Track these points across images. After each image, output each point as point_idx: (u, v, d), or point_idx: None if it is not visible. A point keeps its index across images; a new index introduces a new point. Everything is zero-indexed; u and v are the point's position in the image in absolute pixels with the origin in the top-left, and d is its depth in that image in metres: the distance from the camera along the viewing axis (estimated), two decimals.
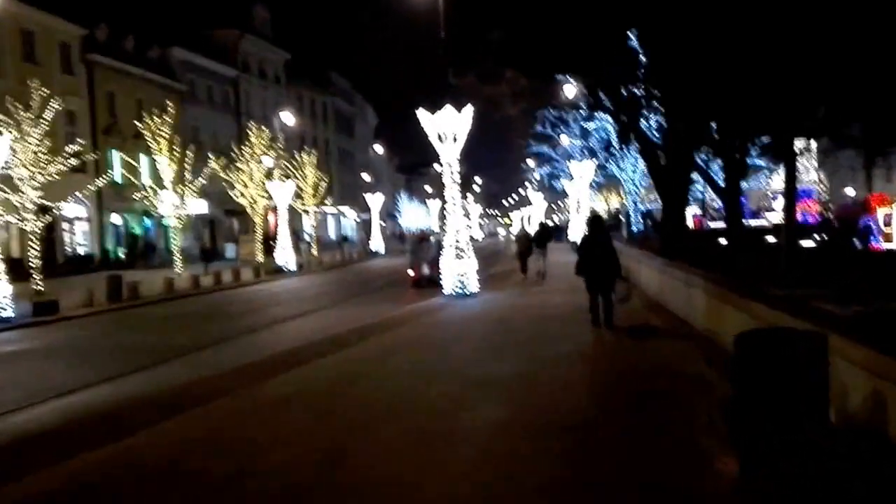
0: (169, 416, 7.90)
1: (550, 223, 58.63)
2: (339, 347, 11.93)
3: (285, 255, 35.97)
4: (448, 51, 20.01)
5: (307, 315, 19.04)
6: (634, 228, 37.17)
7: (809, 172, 49.07)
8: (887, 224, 25.43)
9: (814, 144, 49.20)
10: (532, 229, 32.01)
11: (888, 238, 25.18)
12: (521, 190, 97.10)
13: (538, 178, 56.25)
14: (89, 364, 12.85)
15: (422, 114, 18.55)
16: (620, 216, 37.87)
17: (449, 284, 18.72)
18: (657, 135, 24.80)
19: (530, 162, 54.69)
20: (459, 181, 18.70)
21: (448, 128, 18.30)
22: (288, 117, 45.58)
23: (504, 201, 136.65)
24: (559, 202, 77.32)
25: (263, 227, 43.31)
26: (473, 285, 18.82)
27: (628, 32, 21.66)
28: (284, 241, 36.20)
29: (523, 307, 16.10)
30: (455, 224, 18.80)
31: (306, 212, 49.80)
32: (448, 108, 18.29)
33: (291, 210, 46.94)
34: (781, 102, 16.07)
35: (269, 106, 56.72)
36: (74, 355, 14.27)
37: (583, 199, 37.47)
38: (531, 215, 70.38)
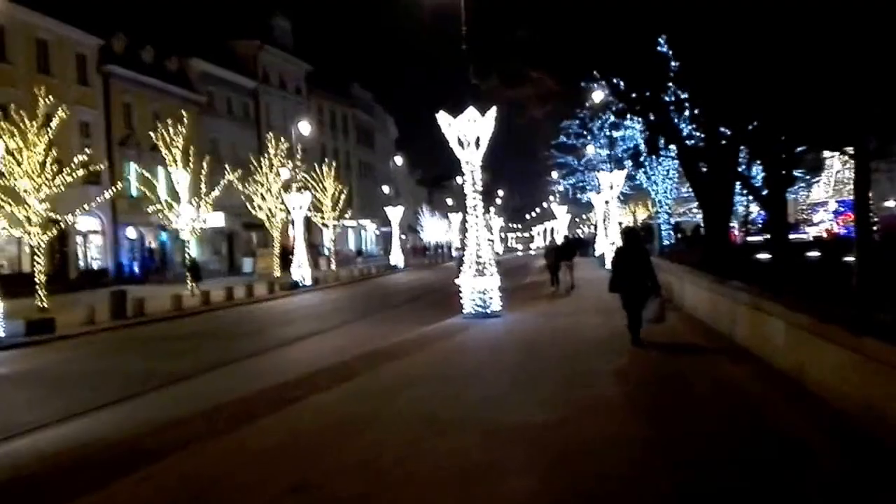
0: (115, 477, 6.16)
1: (575, 237, 56.68)
2: (343, 379, 10.12)
3: (301, 270, 34.35)
4: (470, 48, 18.28)
5: (316, 336, 17.30)
6: (666, 242, 35.10)
7: (852, 184, 46.72)
8: None
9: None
10: (560, 242, 30.62)
11: None
12: (544, 203, 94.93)
13: (562, 189, 54.28)
14: (60, 395, 11.22)
15: (441, 117, 16.77)
16: (652, 229, 35.86)
17: (469, 303, 16.86)
18: (693, 142, 23.00)
19: (554, 174, 52.73)
20: (481, 189, 16.86)
21: (469, 132, 16.49)
22: (305, 127, 44.16)
23: (527, 215, 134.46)
24: (584, 215, 75.20)
25: (282, 241, 41.99)
26: (496, 304, 16.93)
27: (658, 38, 20.11)
28: (301, 256, 34.58)
29: (552, 331, 14.16)
30: (476, 236, 16.95)
31: (325, 225, 48.33)
32: (470, 111, 16.48)
33: (311, 223, 45.64)
34: (851, 107, 14.37)
35: (289, 117, 55.41)
36: (49, 383, 12.64)
37: (611, 211, 35.43)
38: (554, 228, 68.29)
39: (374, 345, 13.61)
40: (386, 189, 75.80)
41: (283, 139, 41.33)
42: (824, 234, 39.78)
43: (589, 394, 8.24)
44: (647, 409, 7.53)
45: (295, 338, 16.97)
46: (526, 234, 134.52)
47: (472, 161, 16.58)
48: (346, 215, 52.16)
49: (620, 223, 39.60)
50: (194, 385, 11.68)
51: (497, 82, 21.12)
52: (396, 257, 51.05)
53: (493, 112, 16.46)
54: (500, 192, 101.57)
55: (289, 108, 57.99)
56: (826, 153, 46.44)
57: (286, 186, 39.66)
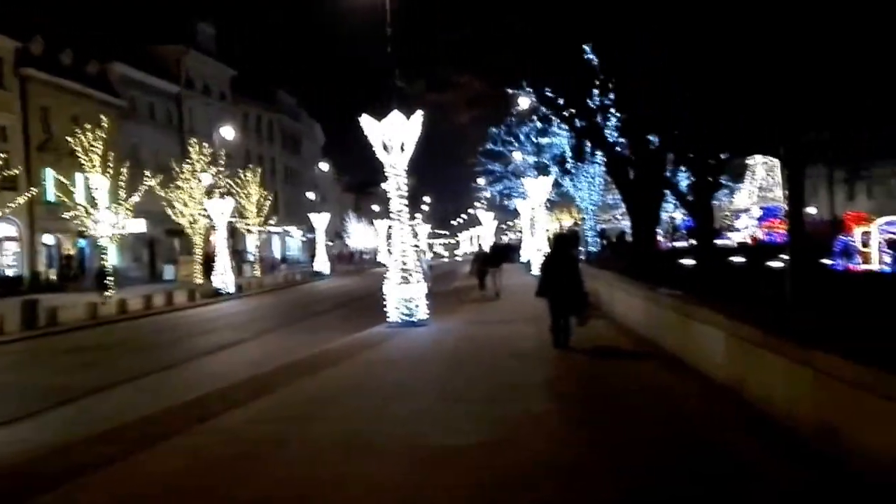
0: None
1: (502, 243, 56.65)
2: (259, 394, 9.23)
3: (224, 277, 32.92)
4: (395, 51, 17.62)
5: (234, 346, 16.28)
6: (592, 248, 35.16)
7: (775, 190, 47.77)
8: (865, 244, 23.75)
9: (775, 160, 48.34)
10: (487, 248, 30.58)
11: (866, 259, 23.49)
12: (471, 209, 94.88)
13: (489, 196, 54.08)
14: None
15: (365, 120, 16.01)
16: (578, 235, 35.90)
17: (394, 311, 16.12)
18: (620, 148, 22.93)
19: (481, 181, 52.45)
20: (406, 194, 16.17)
21: (394, 136, 15.78)
22: (228, 132, 42.64)
23: (454, 221, 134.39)
24: (510, 222, 75.45)
25: (204, 248, 40.45)
26: (422, 312, 16.24)
27: (584, 45, 19.96)
28: (223, 262, 33.14)
29: (480, 340, 13.57)
30: (401, 243, 16.24)
31: (249, 231, 46.73)
32: (395, 114, 15.77)
33: (235, 230, 44.14)
34: (783, 112, 14.38)
35: (213, 123, 53.47)
36: None
37: (538, 218, 35.28)
38: (481, 235, 68.20)
39: (294, 356, 12.73)
40: (312, 195, 74.19)
41: (206, 144, 39.88)
42: (748, 240, 40.69)
43: (520, 409, 7.64)
44: (581, 427, 6.93)
45: (212, 348, 15.93)
46: (453, 241, 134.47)
47: (396, 166, 15.88)
48: (271, 221, 50.65)
49: (547, 230, 39.57)
50: (97, 401, 10.71)
51: (424, 86, 20.47)
52: (322, 264, 49.83)
53: (418, 116, 15.81)
54: (428, 199, 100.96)
55: (213, 114, 56.04)
56: (750, 160, 47.73)
57: (209, 192, 38.31)
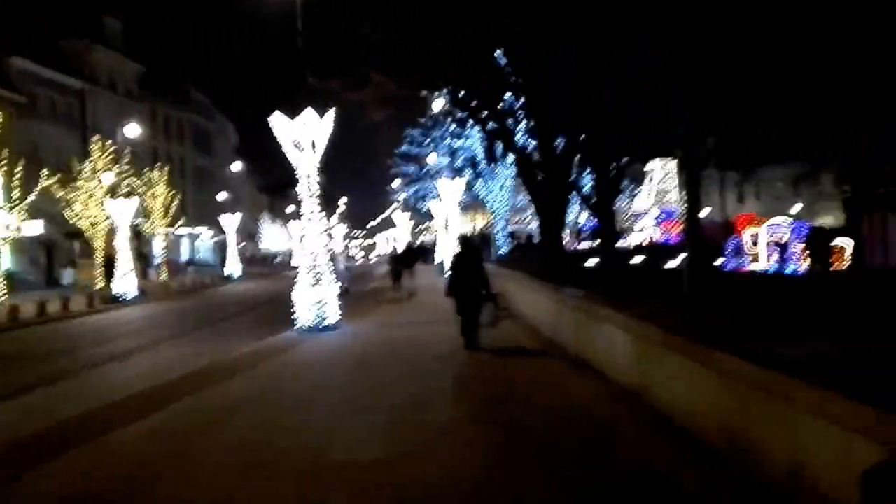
0: None
1: (418, 245, 56.44)
2: (153, 409, 8.54)
3: (126, 281, 31.26)
4: (306, 46, 17.01)
5: (133, 356, 15.29)
6: (502, 250, 35.36)
7: (672, 193, 49.54)
8: (754, 244, 24.75)
9: (672, 165, 50.02)
10: (402, 250, 30.48)
11: (755, 258, 24.48)
12: (386, 211, 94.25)
13: (404, 198, 53.76)
14: None
15: (275, 118, 15.36)
16: (490, 237, 36.10)
17: (304, 316, 15.54)
18: (530, 152, 23.08)
19: (396, 182, 52.10)
20: (318, 195, 15.62)
21: (306, 135, 15.22)
22: (134, 130, 40.64)
23: (370, 222, 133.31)
24: (426, 223, 75.36)
25: (106, 251, 38.36)
26: (333, 316, 15.73)
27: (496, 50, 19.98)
28: (125, 266, 31.47)
29: (391, 344, 13.22)
30: (312, 244, 15.69)
31: (156, 233, 44.74)
32: (306, 112, 15.20)
33: (140, 232, 42.17)
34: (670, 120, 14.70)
35: (118, 121, 50.94)
36: None
37: (451, 219, 35.20)
38: (397, 237, 67.77)
39: (196, 365, 12.00)
40: (224, 196, 71.87)
41: (110, 142, 37.84)
42: (647, 242, 41.91)
43: (427, 419, 7.33)
44: (487, 438, 6.62)
45: (108, 358, 14.88)
46: (369, 242, 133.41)
47: (308, 165, 15.32)
48: (180, 223, 48.66)
49: (461, 231, 39.58)
50: None
51: (337, 84, 19.90)
52: (233, 267, 48.23)
53: (331, 114, 15.29)
54: (344, 199, 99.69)
55: (119, 111, 53.36)
56: (648, 165, 49.30)
57: (111, 192, 36.29)
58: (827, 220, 35.01)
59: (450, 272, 12.19)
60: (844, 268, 21.89)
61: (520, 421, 7.15)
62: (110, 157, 37.35)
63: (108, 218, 35.42)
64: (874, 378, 4.24)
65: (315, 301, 15.56)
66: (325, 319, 15.54)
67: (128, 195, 36.30)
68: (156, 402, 8.89)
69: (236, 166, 76.28)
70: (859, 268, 22.07)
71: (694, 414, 5.95)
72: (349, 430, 7.09)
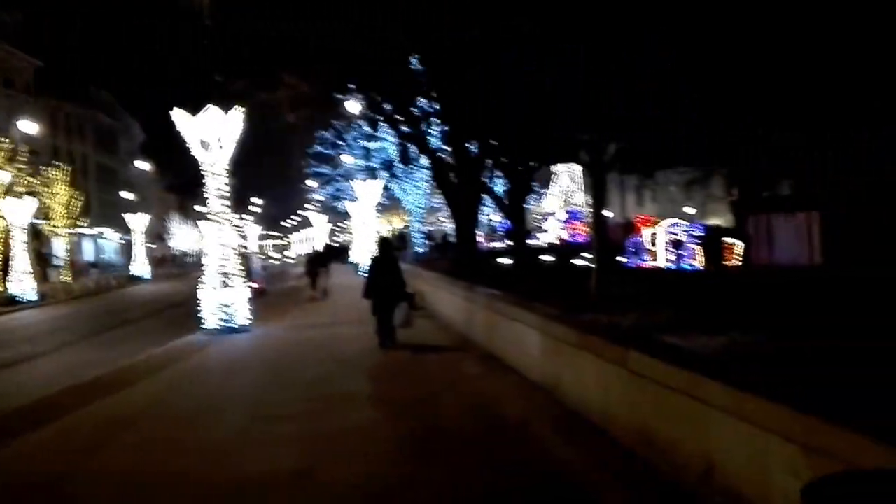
0: None
1: (334, 245, 55.51)
2: (40, 422, 7.73)
3: (23, 284, 29.22)
4: (214, 42, 16.17)
5: (26, 363, 14.16)
6: (419, 249, 35.13)
7: (577, 196, 50.75)
8: (653, 243, 25.42)
9: (577, 168, 51.08)
10: (319, 250, 29.90)
11: (654, 256, 25.14)
12: (301, 211, 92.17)
13: (320, 198, 52.65)
14: None
15: (179, 115, 14.54)
16: (406, 237, 35.81)
17: (212, 318, 14.77)
18: (443, 155, 22.99)
19: (312, 183, 50.90)
20: (227, 194, 14.88)
21: (212, 132, 14.45)
22: (29, 127, 38.07)
23: (285, 223, 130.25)
24: (342, 224, 74.19)
25: (1, 251, 35.79)
26: (243, 318, 15.02)
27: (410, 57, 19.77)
28: (22, 267, 29.40)
29: (304, 346, 12.68)
30: (220, 245, 14.93)
31: (56, 233, 42.10)
32: (212, 110, 14.45)
33: (40, 232, 39.62)
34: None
35: (14, 117, 47.60)
36: None
37: (368, 220, 34.66)
38: (313, 237, 66.42)
39: (95, 372, 11.12)
40: (129, 195, 68.56)
41: (5, 140, 35.28)
42: (556, 241, 42.59)
43: (338, 425, 6.93)
44: (401, 444, 6.28)
45: None
46: (283, 242, 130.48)
47: (215, 164, 14.57)
48: (83, 223, 46.00)
49: (377, 232, 39.07)
50: None
51: (248, 84, 19.08)
52: (140, 268, 46.00)
53: (238, 112, 14.59)
54: (259, 199, 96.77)
55: (14, 108, 49.87)
56: (555, 168, 50.20)
57: (7, 191, 33.85)
58: (716, 222, 36.48)
59: (367, 273, 12.05)
60: (735, 265, 22.78)
61: (435, 422, 6.86)
62: (4, 155, 34.83)
63: (2, 217, 33.07)
64: (789, 374, 4.19)
65: (223, 302, 14.83)
66: (234, 321, 14.83)
67: (25, 195, 33.95)
68: (37, 418, 7.91)
69: (143, 165, 72.84)
70: (747, 265, 23.01)
71: (609, 413, 5.82)
72: (257, 440, 6.61)
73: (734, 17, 11.83)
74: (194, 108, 14.51)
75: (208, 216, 15.08)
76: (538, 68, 14.34)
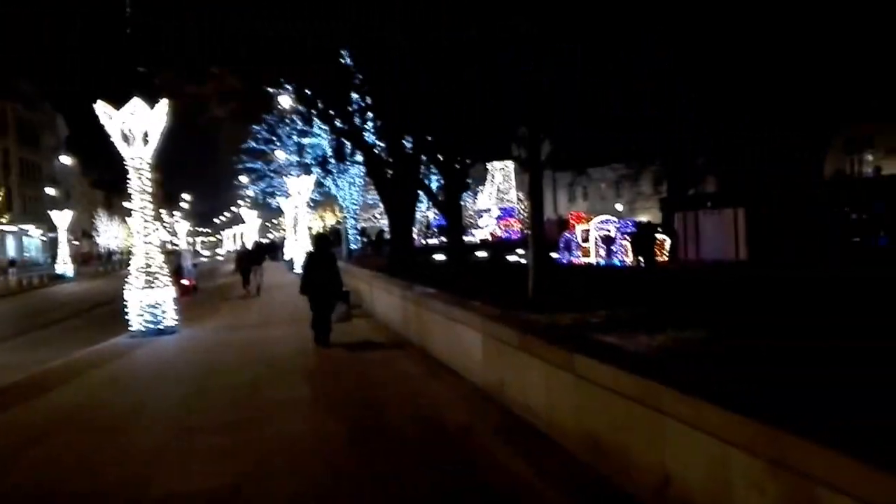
0: None
1: (266, 242, 54.14)
2: None
3: None
4: (136, 32, 15.21)
5: None
6: (353, 246, 34.45)
7: (510, 193, 50.86)
8: (585, 240, 25.55)
9: (511, 165, 51.24)
10: (251, 247, 28.94)
11: (586, 253, 25.28)
12: (233, 207, 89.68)
13: (252, 194, 51.12)
14: None
15: (101, 107, 13.58)
16: (340, 233, 35.05)
17: (137, 319, 13.90)
18: (378, 151, 22.49)
19: (244, 179, 49.38)
20: (151, 190, 14.01)
21: (135, 125, 13.56)
22: None
23: (216, 219, 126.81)
24: (275, 220, 72.56)
25: None
26: (170, 319, 14.19)
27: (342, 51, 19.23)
28: None
29: (235, 348, 12.00)
30: (145, 242, 14.05)
31: None
32: (135, 102, 13.56)
33: None
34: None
35: None
36: None
37: (301, 216, 33.75)
38: (244, 233, 64.66)
39: (7, 378, 10.22)
40: (53, 191, 65.23)
41: None
42: (490, 237, 42.64)
43: (273, 437, 6.39)
44: (342, 455, 5.85)
45: None
46: (215, 238, 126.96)
47: (139, 158, 13.68)
48: (4, 219, 43.42)
49: (310, 228, 38.20)
50: None
51: (174, 77, 18.05)
52: (65, 266, 43.69)
53: (163, 105, 13.73)
54: (188, 196, 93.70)
55: None
56: (489, 165, 50.22)
57: None
58: (644, 218, 37.15)
59: (303, 270, 11.74)
60: (664, 260, 23.08)
61: (372, 433, 6.42)
62: None
63: None
64: (740, 375, 3.95)
65: (150, 303, 13.97)
66: (161, 322, 14.00)
67: None
68: None
69: (67, 160, 69.42)
70: (676, 261, 23.35)
71: (555, 419, 5.51)
72: (180, 455, 6.04)
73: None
74: (119, 102, 13.60)
75: (132, 212, 14.15)
76: (469, 64, 14.06)
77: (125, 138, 13.50)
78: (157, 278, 14.03)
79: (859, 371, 5.51)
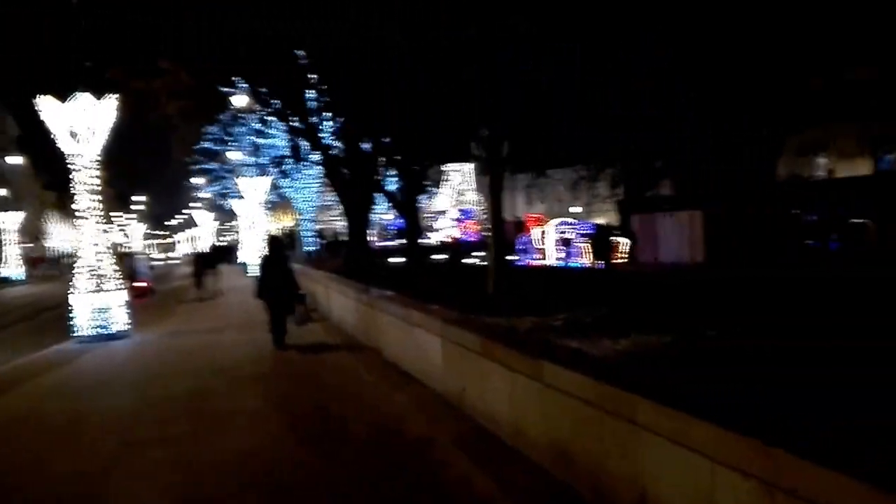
0: None
1: (221, 244, 52.91)
2: None
3: None
4: (83, 24, 14.42)
5: None
6: (310, 248, 33.75)
7: (468, 194, 50.50)
8: (543, 242, 25.39)
9: (469, 167, 50.93)
10: (206, 250, 28.37)
11: (543, 255, 25.13)
12: (188, 210, 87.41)
13: (208, 196, 49.79)
14: None
15: (45, 102, 12.85)
16: (295, 235, 34.33)
17: (85, 324, 13.19)
18: (336, 151, 21.96)
19: (198, 180, 47.98)
20: (97, 189, 13.29)
21: (82, 122, 12.85)
22: None
23: (170, 221, 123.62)
24: (230, 222, 71.00)
25: None
26: (121, 323, 13.51)
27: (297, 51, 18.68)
28: None
29: (187, 354, 11.42)
30: (92, 244, 13.32)
31: None
32: (82, 97, 12.86)
33: None
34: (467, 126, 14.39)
35: None
36: None
37: (256, 218, 32.92)
38: (200, 236, 63.14)
39: None
40: (3, 192, 62.62)
41: None
42: (448, 239, 42.30)
43: (224, 450, 5.95)
44: (289, 470, 5.42)
45: None
46: (168, 241, 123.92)
47: (85, 156, 12.97)
48: None
49: (267, 231, 37.28)
50: None
51: (122, 72, 17.21)
52: (13, 268, 41.91)
53: (112, 100, 13.06)
54: (143, 197, 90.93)
55: None
56: (446, 167, 49.87)
57: None
58: (601, 220, 37.31)
59: (258, 273, 11.51)
60: (623, 262, 23.07)
61: (328, 445, 6.02)
62: None
63: None
64: (709, 377, 3.69)
65: (98, 307, 13.27)
66: (110, 327, 13.31)
67: None
68: None
69: (17, 160, 66.79)
70: (634, 262, 23.36)
71: (521, 429, 5.19)
72: (124, 475, 5.54)
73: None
74: (60, 96, 12.87)
75: (77, 213, 13.42)
76: (429, 66, 13.76)
77: (71, 135, 12.78)
78: (106, 281, 13.34)
79: (829, 371, 5.36)
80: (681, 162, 23.71)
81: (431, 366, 7.29)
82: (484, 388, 5.91)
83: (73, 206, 13.49)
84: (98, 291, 13.22)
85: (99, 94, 13.08)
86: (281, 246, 12.30)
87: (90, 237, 13.28)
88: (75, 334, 13.24)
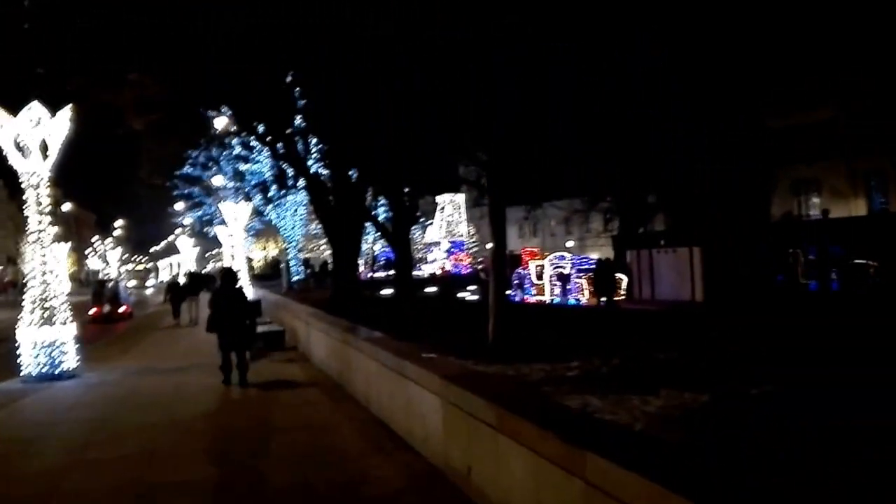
0: None
1: (201, 272, 51.29)
2: None
3: None
4: (35, 27, 13.20)
5: None
6: (295, 278, 32.36)
7: (460, 227, 49.24)
8: (539, 277, 24.15)
9: (460, 198, 49.83)
10: (184, 277, 27.99)
11: (540, 290, 23.88)
12: (170, 236, 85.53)
13: (190, 222, 48.19)
14: None
15: None
16: (280, 264, 32.95)
17: (31, 361, 11.72)
18: (322, 178, 20.84)
19: (180, 205, 46.44)
20: (49, 209, 11.92)
21: (33, 135, 11.53)
22: None
23: (152, 248, 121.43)
24: (214, 250, 69.42)
25: None
26: (71, 361, 12.04)
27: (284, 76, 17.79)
28: None
29: (144, 399, 9.99)
30: (42, 272, 11.90)
31: None
32: (34, 107, 11.56)
33: None
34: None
35: None
36: None
37: (238, 246, 31.52)
38: (181, 263, 61.49)
39: None
40: None
41: None
42: (439, 271, 41.01)
43: None
44: None
45: None
46: (145, 268, 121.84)
47: (35, 174, 11.63)
48: None
49: (250, 259, 35.93)
50: None
51: (83, 81, 15.87)
52: None
53: (66, 111, 11.74)
54: (121, 222, 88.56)
55: None
56: (439, 198, 48.85)
57: None
58: (595, 255, 36.38)
59: (211, 307, 10.85)
60: (621, 299, 21.88)
61: None
62: None
63: None
64: None
65: (46, 342, 11.82)
66: (59, 365, 11.84)
67: None
68: None
69: None
70: (632, 300, 22.21)
71: None
72: None
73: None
74: (13, 107, 11.59)
75: (27, 236, 12.04)
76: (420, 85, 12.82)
77: (19, 148, 11.45)
78: (56, 313, 11.91)
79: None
80: (675, 196, 22.89)
81: (429, 431, 5.94)
82: (497, 469, 4.57)
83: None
84: (47, 325, 11.79)
85: (55, 105, 11.79)
86: (234, 278, 11.45)
87: (40, 263, 11.88)
88: (21, 372, 11.80)
